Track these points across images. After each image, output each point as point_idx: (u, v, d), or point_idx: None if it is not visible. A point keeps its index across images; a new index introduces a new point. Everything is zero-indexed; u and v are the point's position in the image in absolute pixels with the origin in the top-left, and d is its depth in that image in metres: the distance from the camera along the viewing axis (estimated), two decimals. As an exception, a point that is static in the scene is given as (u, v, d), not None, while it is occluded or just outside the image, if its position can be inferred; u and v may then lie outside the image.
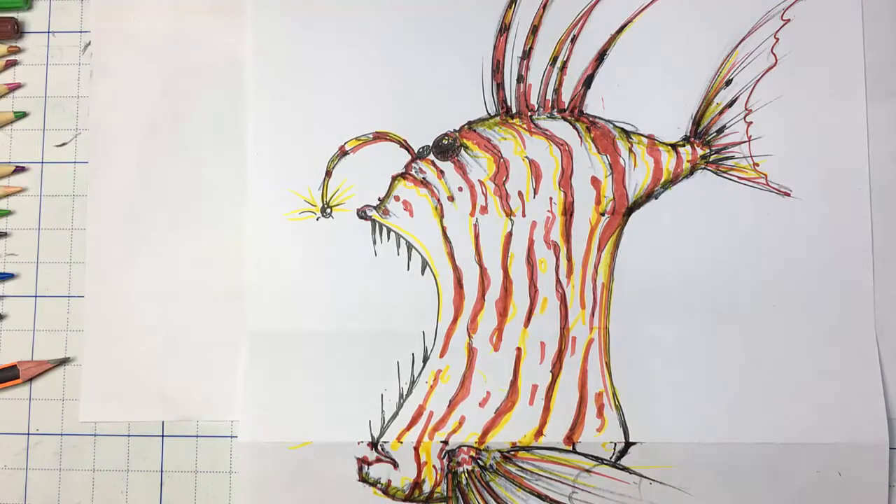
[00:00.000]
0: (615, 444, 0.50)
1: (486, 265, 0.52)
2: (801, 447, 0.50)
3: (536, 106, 0.53)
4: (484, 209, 0.52)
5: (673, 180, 0.52)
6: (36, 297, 0.53)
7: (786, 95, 0.52)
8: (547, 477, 0.50)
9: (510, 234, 0.52)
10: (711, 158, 0.52)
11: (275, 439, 0.50)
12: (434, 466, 0.50)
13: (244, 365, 0.51)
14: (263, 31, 0.53)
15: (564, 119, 0.52)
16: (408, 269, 0.52)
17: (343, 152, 0.53)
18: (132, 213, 0.53)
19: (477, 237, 0.52)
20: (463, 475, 0.50)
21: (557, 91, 0.53)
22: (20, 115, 0.54)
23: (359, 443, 0.51)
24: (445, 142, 0.52)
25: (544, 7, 0.53)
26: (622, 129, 0.52)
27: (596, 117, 0.52)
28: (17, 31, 0.54)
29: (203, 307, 0.52)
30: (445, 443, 0.50)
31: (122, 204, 0.53)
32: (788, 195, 0.51)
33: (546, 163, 0.52)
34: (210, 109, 0.53)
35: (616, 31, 0.53)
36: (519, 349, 0.51)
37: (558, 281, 0.51)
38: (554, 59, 0.53)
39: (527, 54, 0.53)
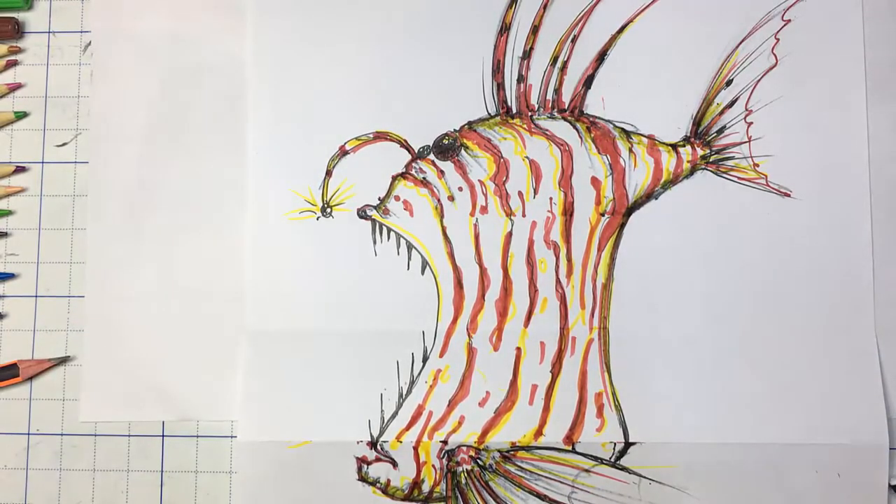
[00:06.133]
0: (615, 444, 0.50)
1: (486, 265, 0.52)
2: (801, 447, 0.50)
3: (537, 106, 0.53)
4: (484, 209, 0.52)
5: (673, 180, 0.52)
6: (36, 296, 0.53)
7: (786, 96, 0.52)
8: (546, 477, 0.50)
9: (510, 234, 0.52)
10: (712, 159, 0.52)
11: (274, 439, 0.50)
12: (433, 466, 0.50)
13: (244, 365, 0.51)
14: (263, 31, 0.53)
15: (565, 119, 0.52)
16: (408, 268, 0.52)
17: (343, 152, 0.53)
18: (132, 213, 0.53)
19: (477, 237, 0.52)
20: (462, 475, 0.50)
21: (558, 91, 0.53)
22: (20, 115, 0.54)
23: (358, 442, 0.51)
24: (446, 142, 0.52)
25: (545, 7, 0.53)
26: (622, 130, 0.52)
27: (596, 117, 0.52)
28: (18, 31, 0.54)
29: (203, 307, 0.52)
30: (445, 442, 0.50)
31: (122, 204, 0.53)
32: (788, 195, 0.51)
33: (546, 163, 0.52)
34: (210, 109, 0.53)
35: (616, 32, 0.53)
36: (519, 349, 0.51)
37: (558, 281, 0.51)
38: (554, 60, 0.53)
39: (527, 54, 0.53)
